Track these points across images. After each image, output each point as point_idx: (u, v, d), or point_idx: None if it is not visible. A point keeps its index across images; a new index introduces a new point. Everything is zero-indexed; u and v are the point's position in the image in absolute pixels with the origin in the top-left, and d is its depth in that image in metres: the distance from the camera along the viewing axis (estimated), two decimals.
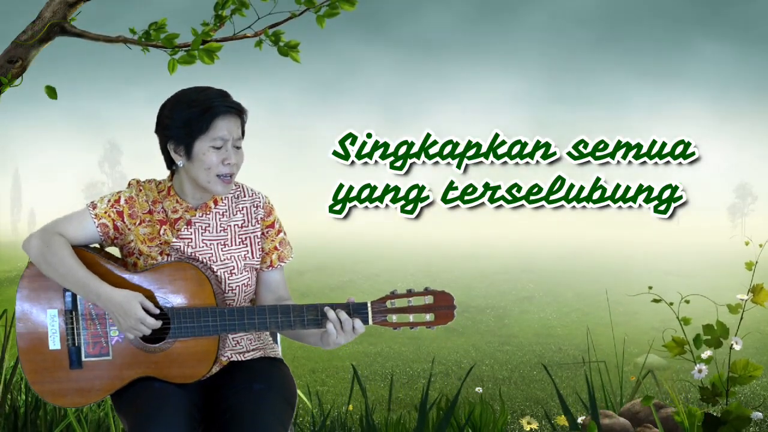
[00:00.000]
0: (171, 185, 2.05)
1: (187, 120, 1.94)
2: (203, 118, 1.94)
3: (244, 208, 2.09)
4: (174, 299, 1.95)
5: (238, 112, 1.99)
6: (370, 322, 1.95)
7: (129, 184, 2.08)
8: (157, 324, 1.92)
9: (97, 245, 2.07)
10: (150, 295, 1.96)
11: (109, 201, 2.03)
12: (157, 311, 1.93)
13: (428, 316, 1.96)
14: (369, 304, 1.94)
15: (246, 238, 2.08)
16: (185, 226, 2.03)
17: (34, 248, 1.97)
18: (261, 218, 2.10)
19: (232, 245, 2.06)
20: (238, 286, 2.06)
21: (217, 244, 2.05)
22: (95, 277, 1.94)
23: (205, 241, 2.04)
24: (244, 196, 2.10)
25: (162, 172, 2.13)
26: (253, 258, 2.09)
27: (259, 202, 2.10)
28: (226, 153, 1.96)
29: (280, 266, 2.14)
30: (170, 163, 2.04)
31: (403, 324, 1.95)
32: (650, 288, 3.38)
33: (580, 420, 3.47)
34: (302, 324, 1.95)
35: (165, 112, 1.99)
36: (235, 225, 2.07)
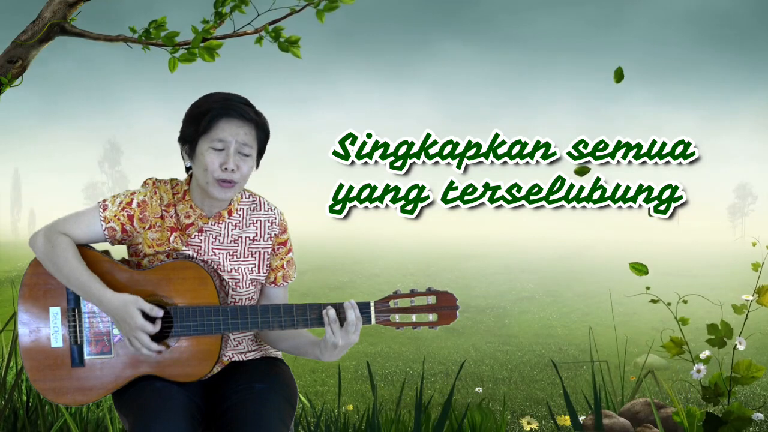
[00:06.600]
0: (187, 189, 2.04)
1: (193, 119, 1.96)
2: (205, 118, 1.94)
3: (258, 222, 2.08)
4: (177, 298, 1.95)
5: (247, 119, 1.96)
6: (373, 321, 1.95)
7: (144, 183, 2.06)
8: (156, 329, 1.91)
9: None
10: (152, 293, 1.96)
11: (120, 203, 2.01)
12: (160, 313, 1.92)
13: (431, 317, 1.96)
14: (372, 304, 1.95)
15: (256, 252, 2.07)
16: (196, 233, 2.03)
17: (40, 246, 1.97)
18: (275, 235, 2.09)
19: (240, 257, 2.05)
20: (242, 299, 2.06)
21: (227, 254, 2.04)
22: (98, 280, 1.93)
23: (214, 250, 2.03)
24: (260, 209, 2.09)
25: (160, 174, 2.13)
26: (260, 273, 2.08)
27: (275, 218, 2.10)
28: (226, 157, 1.95)
29: (284, 285, 2.13)
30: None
31: (406, 324, 1.96)
32: (648, 288, 3.38)
33: (581, 419, 3.47)
34: (305, 323, 1.95)
35: (185, 114, 2.01)
36: (246, 237, 2.07)
